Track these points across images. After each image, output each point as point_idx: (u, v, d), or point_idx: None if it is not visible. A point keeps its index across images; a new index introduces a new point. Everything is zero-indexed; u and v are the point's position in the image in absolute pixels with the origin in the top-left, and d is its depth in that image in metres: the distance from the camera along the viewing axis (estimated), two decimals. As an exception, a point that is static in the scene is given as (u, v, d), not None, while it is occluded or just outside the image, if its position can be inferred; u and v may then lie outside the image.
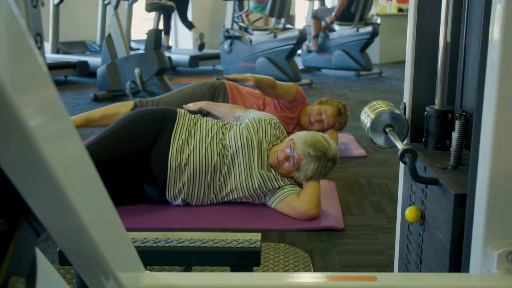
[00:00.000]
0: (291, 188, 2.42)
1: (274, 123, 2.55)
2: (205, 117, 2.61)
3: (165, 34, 8.51)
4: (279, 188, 2.43)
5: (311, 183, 2.39)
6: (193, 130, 2.47)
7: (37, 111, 0.46)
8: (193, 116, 2.58)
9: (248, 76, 3.18)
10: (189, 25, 8.63)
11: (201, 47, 8.08)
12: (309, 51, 7.86)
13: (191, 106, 2.97)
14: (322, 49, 7.74)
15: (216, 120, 2.57)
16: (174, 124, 2.49)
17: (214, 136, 2.45)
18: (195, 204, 2.48)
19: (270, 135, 2.49)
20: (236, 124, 2.53)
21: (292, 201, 2.37)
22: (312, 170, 2.36)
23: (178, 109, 2.60)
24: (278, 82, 3.36)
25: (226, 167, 2.41)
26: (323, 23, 7.69)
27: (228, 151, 2.41)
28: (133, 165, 2.41)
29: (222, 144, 2.42)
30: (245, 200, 2.50)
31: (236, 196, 2.46)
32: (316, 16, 7.73)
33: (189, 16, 9.09)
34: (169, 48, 8.60)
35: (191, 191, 2.43)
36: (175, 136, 2.44)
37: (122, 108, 3.22)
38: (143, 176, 2.43)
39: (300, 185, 2.48)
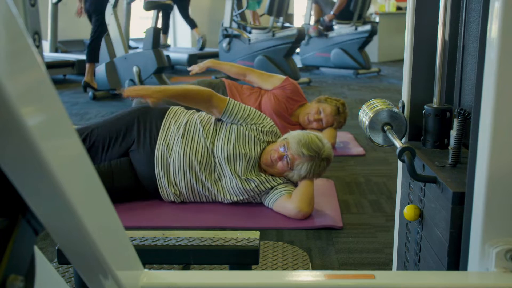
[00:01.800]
0: (283, 187, 2.42)
1: (266, 131, 2.47)
2: (196, 114, 2.56)
3: (163, 33, 8.50)
4: (271, 188, 2.42)
5: (304, 182, 2.38)
6: (181, 130, 2.46)
7: (35, 110, 0.46)
8: (185, 111, 2.57)
9: (200, 64, 3.54)
10: (192, 24, 8.62)
11: (202, 48, 8.20)
12: (310, 36, 7.82)
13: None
14: (321, 48, 7.74)
15: (208, 119, 2.52)
16: (161, 122, 2.50)
17: (201, 139, 2.43)
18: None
19: (263, 141, 2.46)
20: (227, 129, 2.46)
21: (284, 201, 2.36)
22: (305, 170, 2.35)
23: (171, 107, 2.59)
24: (256, 70, 3.58)
25: (216, 174, 2.42)
26: (325, 18, 7.69)
27: (215, 158, 2.41)
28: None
29: (209, 150, 2.41)
30: (242, 202, 2.50)
31: (231, 201, 2.46)
32: (317, 1, 7.74)
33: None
34: (166, 46, 8.60)
35: (182, 190, 2.45)
36: (162, 134, 2.46)
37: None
38: (137, 172, 2.48)
39: (293, 183, 2.48)
